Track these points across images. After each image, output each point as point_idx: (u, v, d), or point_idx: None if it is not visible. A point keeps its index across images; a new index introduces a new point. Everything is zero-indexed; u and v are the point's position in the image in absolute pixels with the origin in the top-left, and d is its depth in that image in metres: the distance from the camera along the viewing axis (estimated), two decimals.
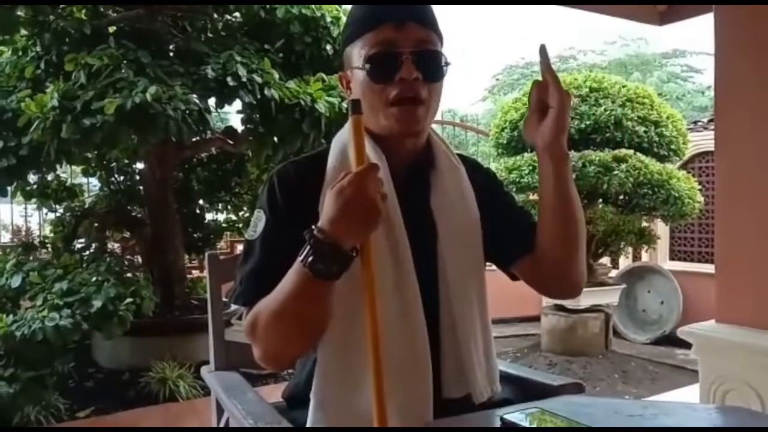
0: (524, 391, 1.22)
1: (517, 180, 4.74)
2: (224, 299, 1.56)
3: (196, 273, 5.17)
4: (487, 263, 1.18)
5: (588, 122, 4.78)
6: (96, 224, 4.13)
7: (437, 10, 1.11)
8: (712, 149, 2.39)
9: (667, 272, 5.86)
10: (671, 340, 5.28)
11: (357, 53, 1.06)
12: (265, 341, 1.00)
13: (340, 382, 1.01)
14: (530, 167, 4.71)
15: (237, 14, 3.96)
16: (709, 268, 3.07)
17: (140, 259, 4.32)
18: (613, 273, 5.92)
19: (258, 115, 3.40)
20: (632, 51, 17.81)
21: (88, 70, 3.02)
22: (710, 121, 5.83)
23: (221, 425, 1.40)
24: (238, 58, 3.27)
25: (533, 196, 5.23)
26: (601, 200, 4.91)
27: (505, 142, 5.19)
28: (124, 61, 3.10)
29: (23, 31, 3.58)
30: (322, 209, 0.93)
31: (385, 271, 1.00)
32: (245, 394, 1.27)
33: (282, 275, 0.95)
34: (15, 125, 3.16)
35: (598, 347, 4.94)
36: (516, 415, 0.90)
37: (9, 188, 3.69)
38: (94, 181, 4.77)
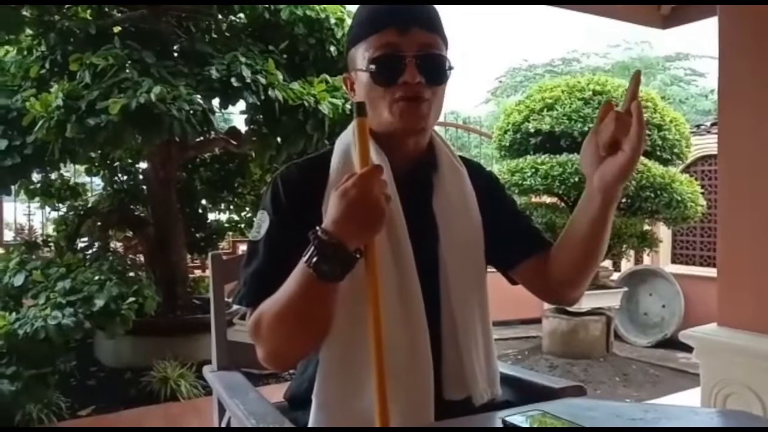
0: (525, 393, 1.22)
1: (520, 182, 4.74)
2: (227, 299, 1.56)
3: (198, 273, 5.18)
4: (488, 266, 1.18)
5: (591, 125, 4.76)
6: (99, 223, 4.15)
7: (441, 9, 1.11)
8: (715, 153, 2.39)
9: (669, 275, 5.85)
10: (673, 344, 5.27)
11: (361, 55, 1.06)
12: (268, 342, 1.00)
13: (342, 383, 1.02)
14: (532, 170, 4.71)
15: (241, 15, 3.97)
16: (711, 272, 3.07)
17: (143, 259, 4.33)
18: (615, 276, 5.92)
19: (262, 116, 3.42)
20: (635, 54, 17.79)
21: (93, 70, 3.03)
22: (713, 124, 5.82)
23: (223, 425, 1.40)
24: (243, 59, 3.28)
25: (535, 198, 5.24)
26: None
27: (507, 144, 5.19)
28: (129, 62, 3.11)
29: (28, 31, 3.59)
30: (327, 211, 0.93)
31: (387, 273, 1.00)
32: (247, 394, 1.27)
33: (286, 276, 0.95)
34: (20, 124, 3.18)
35: (599, 350, 4.94)
36: (517, 417, 0.90)
37: (13, 187, 3.70)
38: (98, 181, 4.79)
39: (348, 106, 3.32)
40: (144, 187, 4.35)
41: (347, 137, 1.10)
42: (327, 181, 1.06)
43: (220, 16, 3.99)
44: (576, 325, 4.90)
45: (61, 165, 3.78)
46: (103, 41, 3.28)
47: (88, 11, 3.80)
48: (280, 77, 3.36)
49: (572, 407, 1.01)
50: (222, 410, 1.40)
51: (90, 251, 3.97)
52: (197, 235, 4.68)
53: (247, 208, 4.83)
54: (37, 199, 4.28)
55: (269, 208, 1.07)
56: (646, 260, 6.25)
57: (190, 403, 3.33)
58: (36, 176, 3.94)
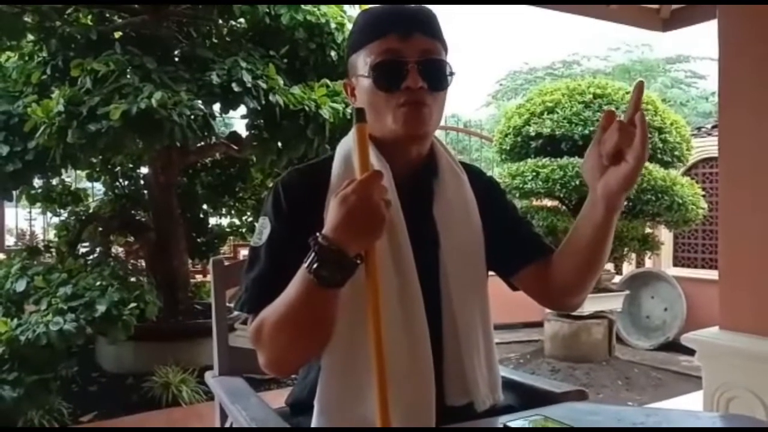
0: (527, 397, 1.22)
1: (521, 186, 4.74)
2: (228, 304, 1.56)
3: (199, 278, 5.18)
4: (489, 271, 1.18)
5: (592, 128, 4.78)
6: (100, 229, 4.15)
7: (442, 12, 1.11)
8: (717, 155, 2.39)
9: (670, 278, 5.84)
10: (675, 347, 5.26)
11: (362, 61, 1.07)
12: (270, 348, 1.01)
13: (343, 389, 1.02)
14: (533, 173, 4.70)
15: (242, 20, 3.98)
16: (713, 275, 3.06)
17: (144, 264, 4.33)
18: (617, 279, 5.91)
19: (262, 121, 3.42)
20: (636, 57, 17.82)
21: (94, 76, 3.04)
22: (714, 127, 5.82)
23: None
24: (243, 64, 3.29)
25: (536, 202, 5.23)
26: None
27: (508, 147, 5.18)
28: (130, 67, 3.11)
29: (30, 37, 3.60)
30: (327, 216, 0.93)
31: (388, 279, 1.00)
32: (249, 399, 1.27)
33: (287, 282, 0.95)
34: (21, 130, 3.18)
35: (601, 353, 4.92)
36: (519, 422, 0.90)
37: (14, 192, 3.71)
38: (99, 186, 4.79)
39: (349, 110, 3.33)
40: (145, 192, 4.36)
41: (348, 143, 1.10)
42: (328, 187, 1.06)
43: (220, 21, 4.00)
44: (578, 329, 4.89)
45: (63, 170, 3.78)
46: (104, 47, 3.28)
47: (89, 17, 3.81)
48: (281, 82, 3.36)
49: (574, 412, 1.01)
50: (224, 415, 1.40)
51: (91, 257, 3.97)
52: (198, 240, 4.68)
53: (248, 213, 4.83)
54: (38, 204, 4.29)
55: (270, 214, 1.07)
56: (648, 263, 6.24)
57: (191, 409, 3.32)
58: (37, 182, 3.95)
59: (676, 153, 4.93)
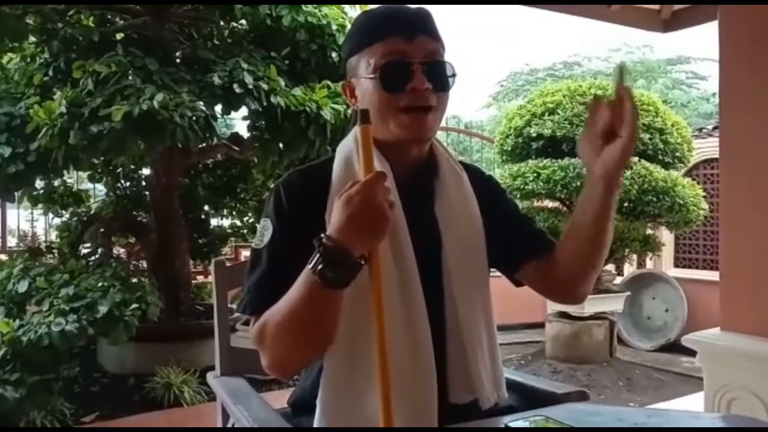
0: (529, 398, 1.23)
1: (522, 186, 4.74)
2: (230, 305, 1.57)
3: (201, 278, 5.18)
4: (492, 269, 1.18)
5: None
6: (102, 230, 4.15)
7: (442, 13, 1.12)
8: (717, 156, 2.39)
9: (672, 279, 5.84)
10: (676, 348, 5.25)
11: (365, 62, 1.07)
12: (273, 349, 1.01)
13: (345, 389, 1.02)
14: (534, 174, 4.71)
15: (243, 22, 3.98)
16: (714, 276, 3.07)
17: (146, 265, 4.33)
18: (618, 280, 5.90)
19: (264, 122, 3.42)
20: (637, 58, 17.82)
21: (96, 77, 3.04)
22: (715, 128, 5.81)
23: None
24: (245, 66, 3.29)
25: (538, 203, 5.23)
26: None
27: (509, 148, 5.19)
28: (132, 69, 3.11)
29: (32, 39, 3.61)
30: (330, 218, 0.94)
31: (390, 279, 1.01)
32: (251, 399, 1.28)
33: (289, 284, 0.96)
34: (23, 131, 3.19)
35: (602, 354, 4.92)
36: (520, 422, 0.90)
37: (16, 193, 3.71)
38: (101, 187, 4.79)
39: (350, 111, 3.33)
40: (147, 193, 4.36)
41: (348, 144, 1.11)
42: (329, 188, 1.06)
43: (222, 23, 4.00)
44: (579, 330, 4.89)
45: (65, 172, 3.78)
46: (106, 48, 3.29)
47: (91, 19, 3.81)
48: (282, 83, 3.37)
49: (575, 412, 1.01)
50: (226, 416, 1.41)
51: (93, 258, 3.98)
52: (200, 240, 4.68)
53: (250, 214, 4.84)
54: (40, 205, 4.29)
55: (272, 216, 1.08)
56: (649, 264, 6.24)
57: (193, 409, 3.32)
58: (39, 183, 3.95)
59: (677, 154, 4.93)
